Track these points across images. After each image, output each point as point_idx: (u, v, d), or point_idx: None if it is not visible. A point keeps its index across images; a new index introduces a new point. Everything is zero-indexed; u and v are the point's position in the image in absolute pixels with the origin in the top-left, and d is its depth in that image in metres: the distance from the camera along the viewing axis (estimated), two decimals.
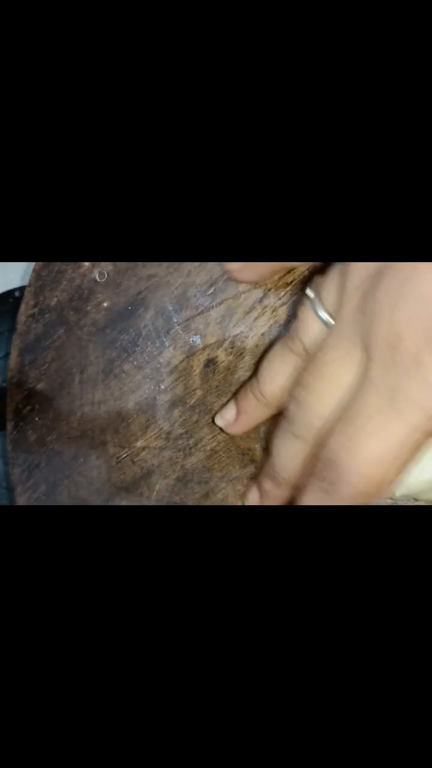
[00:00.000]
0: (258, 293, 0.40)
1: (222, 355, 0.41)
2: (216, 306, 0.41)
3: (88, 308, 0.42)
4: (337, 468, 0.27)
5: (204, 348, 0.41)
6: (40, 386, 0.42)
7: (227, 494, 0.40)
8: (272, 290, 0.40)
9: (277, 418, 0.40)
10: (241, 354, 0.40)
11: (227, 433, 0.40)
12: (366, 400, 0.26)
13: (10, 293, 0.54)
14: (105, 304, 0.42)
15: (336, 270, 0.31)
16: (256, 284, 0.39)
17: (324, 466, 0.28)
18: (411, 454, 0.27)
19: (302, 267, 0.40)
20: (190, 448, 0.41)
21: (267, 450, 0.40)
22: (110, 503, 0.41)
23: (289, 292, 0.40)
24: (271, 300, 0.40)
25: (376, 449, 0.26)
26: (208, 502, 0.40)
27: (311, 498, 0.29)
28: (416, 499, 0.38)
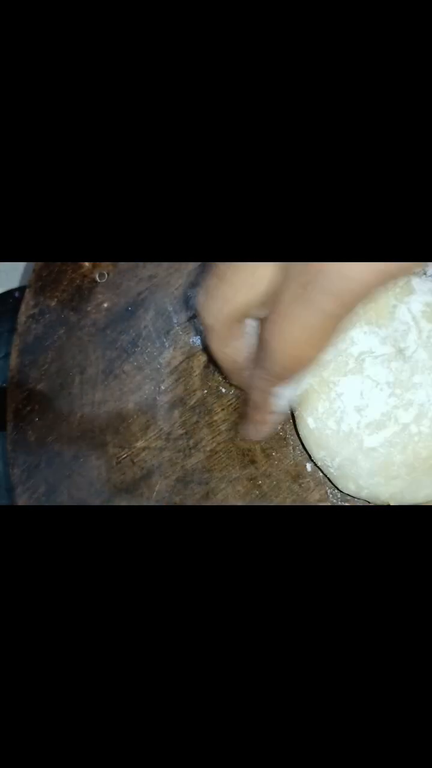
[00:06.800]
0: None
1: None
2: None
3: (89, 309, 0.42)
4: (267, 347, 0.32)
5: (204, 349, 0.41)
6: (40, 387, 0.42)
7: (227, 494, 0.40)
8: None
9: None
10: None
11: (227, 434, 0.40)
12: (286, 293, 0.30)
13: (10, 293, 0.54)
14: (105, 305, 0.42)
15: None
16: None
17: (260, 348, 0.33)
18: (327, 336, 0.30)
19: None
20: (190, 449, 0.41)
21: (266, 451, 0.40)
22: (110, 503, 0.41)
23: None
24: None
25: (295, 332, 0.30)
26: (208, 503, 0.40)
27: (257, 383, 0.34)
28: (368, 502, 0.38)
